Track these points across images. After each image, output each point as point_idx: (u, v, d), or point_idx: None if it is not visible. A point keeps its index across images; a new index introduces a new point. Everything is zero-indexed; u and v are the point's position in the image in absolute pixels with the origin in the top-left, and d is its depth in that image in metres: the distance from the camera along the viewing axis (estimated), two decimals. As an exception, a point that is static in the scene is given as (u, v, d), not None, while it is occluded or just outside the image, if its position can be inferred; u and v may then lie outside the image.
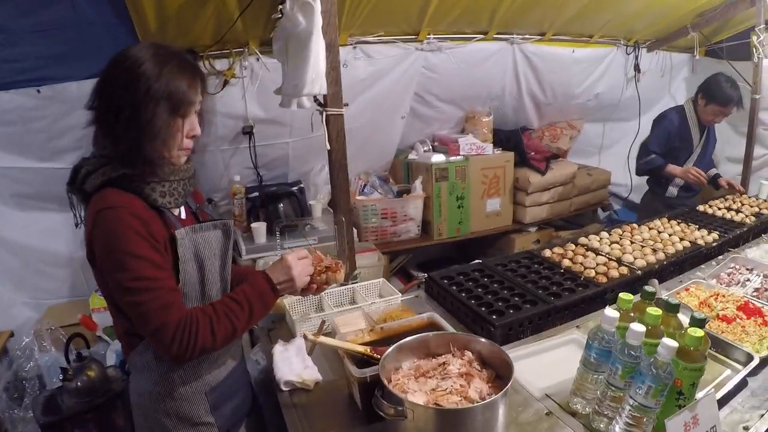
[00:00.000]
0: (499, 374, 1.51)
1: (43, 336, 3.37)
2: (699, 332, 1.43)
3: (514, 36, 4.26)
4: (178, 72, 1.48)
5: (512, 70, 4.51)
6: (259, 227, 3.57)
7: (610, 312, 1.56)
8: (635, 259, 2.63)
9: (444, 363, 1.53)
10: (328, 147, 2.58)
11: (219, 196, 4.01)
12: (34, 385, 3.31)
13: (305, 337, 1.59)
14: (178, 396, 1.66)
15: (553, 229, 4.99)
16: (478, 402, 1.36)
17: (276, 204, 3.70)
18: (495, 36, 4.18)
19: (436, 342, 1.62)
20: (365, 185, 4.32)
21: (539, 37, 4.39)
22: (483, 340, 1.59)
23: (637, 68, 5.15)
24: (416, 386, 1.45)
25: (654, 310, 1.55)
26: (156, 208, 1.55)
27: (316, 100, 2.55)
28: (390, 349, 1.52)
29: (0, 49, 2.78)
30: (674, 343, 1.35)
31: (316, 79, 2.38)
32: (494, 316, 2.11)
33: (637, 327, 1.44)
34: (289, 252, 1.70)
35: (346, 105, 2.62)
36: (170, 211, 1.60)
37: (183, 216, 1.71)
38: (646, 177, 4.42)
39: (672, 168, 4.07)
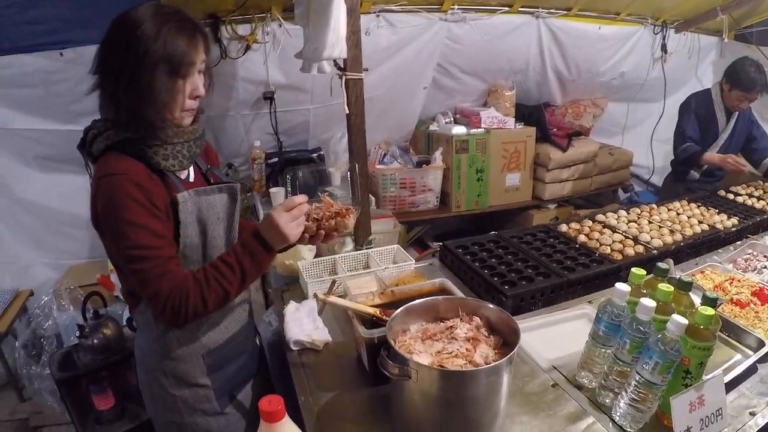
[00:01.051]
0: (507, 341, 1.51)
1: (62, 295, 3.44)
2: (710, 311, 1.43)
3: (540, 10, 4.19)
4: (177, 31, 1.45)
5: (536, 45, 4.44)
6: (278, 192, 3.59)
7: (622, 286, 1.55)
8: (652, 238, 2.61)
9: (451, 327, 1.54)
10: (347, 111, 2.58)
11: (239, 161, 4.04)
12: (52, 343, 3.38)
13: (315, 296, 1.60)
14: (174, 356, 1.68)
15: (573, 207, 4.94)
16: (482, 366, 1.37)
17: (295, 170, 3.70)
18: (520, 9, 4.12)
19: (445, 306, 1.63)
20: (385, 155, 4.31)
21: (565, 11, 4.31)
22: (491, 306, 1.58)
23: (664, 49, 5.04)
24: (422, 348, 1.46)
25: (665, 287, 1.54)
26: (159, 171, 1.54)
27: (336, 64, 2.54)
28: (398, 311, 1.53)
29: (23, 12, 2.80)
30: (684, 320, 1.35)
31: (336, 42, 2.36)
32: (506, 287, 2.12)
33: (647, 302, 1.44)
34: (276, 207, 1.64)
35: (366, 70, 2.60)
36: (175, 174, 1.59)
37: (191, 178, 1.70)
38: (671, 159, 4.34)
39: (709, 156, 3.94)
